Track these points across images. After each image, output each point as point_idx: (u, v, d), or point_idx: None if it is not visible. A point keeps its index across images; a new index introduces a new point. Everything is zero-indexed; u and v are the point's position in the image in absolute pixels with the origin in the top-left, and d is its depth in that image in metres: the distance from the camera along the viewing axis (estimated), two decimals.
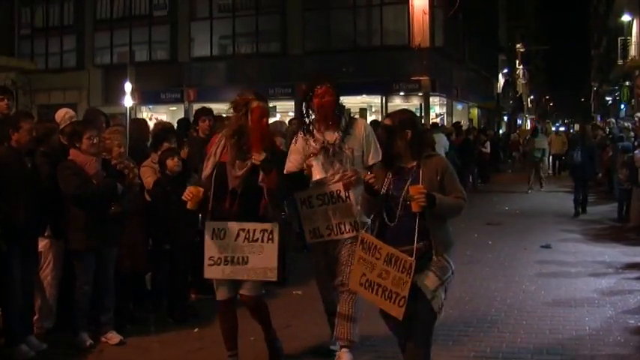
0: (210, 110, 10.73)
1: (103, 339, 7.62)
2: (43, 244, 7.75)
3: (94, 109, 10.75)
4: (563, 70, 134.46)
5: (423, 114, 32.96)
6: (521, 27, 69.51)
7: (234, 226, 6.33)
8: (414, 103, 34.51)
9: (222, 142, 6.48)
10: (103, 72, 38.06)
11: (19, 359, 7.05)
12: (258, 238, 6.31)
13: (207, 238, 6.40)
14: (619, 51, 41.88)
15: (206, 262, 6.39)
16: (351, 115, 7.78)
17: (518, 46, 68.14)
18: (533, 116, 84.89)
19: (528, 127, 56.91)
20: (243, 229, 6.32)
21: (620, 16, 42.25)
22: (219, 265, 6.36)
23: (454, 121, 30.97)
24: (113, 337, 7.64)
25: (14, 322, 7.14)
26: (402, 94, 34.20)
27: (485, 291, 9.90)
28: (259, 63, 33.69)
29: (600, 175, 20.34)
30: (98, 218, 7.46)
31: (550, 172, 31.48)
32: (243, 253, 6.31)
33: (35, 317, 7.79)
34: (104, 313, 7.71)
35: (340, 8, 34.21)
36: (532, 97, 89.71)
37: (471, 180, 26.33)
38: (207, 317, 8.59)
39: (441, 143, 19.10)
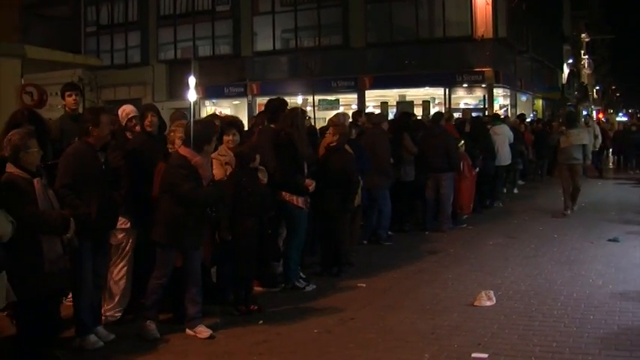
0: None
1: (191, 332, 7.72)
2: (120, 236, 7.96)
3: (179, 110, 10.88)
4: (631, 59, 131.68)
5: (486, 105, 32.69)
6: (585, 16, 68.29)
7: None
8: (477, 95, 34.27)
9: None
10: (167, 67, 38.54)
11: (88, 349, 7.21)
12: None
13: None
14: None
15: None
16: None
17: (582, 35, 66.98)
18: (599, 107, 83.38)
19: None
20: None
21: None
22: None
23: (518, 113, 30.58)
24: (203, 331, 7.71)
25: (84, 314, 7.30)
26: (465, 85, 33.91)
27: (551, 285, 9.76)
28: (321, 56, 33.73)
29: None
30: (194, 217, 7.63)
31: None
32: None
33: (110, 306, 8.03)
34: (194, 307, 7.81)
35: (402, 0, 34.00)
36: (598, 87, 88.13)
37: (540, 172, 26.07)
38: (272, 310, 8.68)
39: (505, 134, 18.86)
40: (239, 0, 36.99)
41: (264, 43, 36.69)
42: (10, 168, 6.44)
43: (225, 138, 9.02)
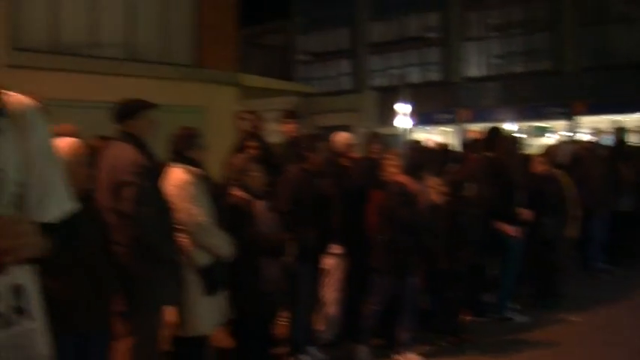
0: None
1: (400, 358, 7.80)
2: (332, 261, 8.15)
3: (376, 133, 11.07)
4: None
5: None
6: None
7: None
8: None
9: None
10: (377, 94, 39.01)
11: None
12: None
13: None
14: None
15: None
16: None
17: None
18: None
19: None
20: None
21: None
22: None
23: None
24: (412, 358, 7.80)
25: (299, 333, 7.55)
26: None
27: None
28: (532, 82, 33.02)
29: None
30: (411, 244, 7.74)
31: None
32: None
33: (322, 328, 8.24)
34: (405, 333, 7.89)
35: (615, 22, 32.66)
36: None
37: None
38: (482, 340, 8.57)
39: None
40: (448, 26, 36.99)
41: (473, 69, 36.45)
42: (234, 191, 6.74)
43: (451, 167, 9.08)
